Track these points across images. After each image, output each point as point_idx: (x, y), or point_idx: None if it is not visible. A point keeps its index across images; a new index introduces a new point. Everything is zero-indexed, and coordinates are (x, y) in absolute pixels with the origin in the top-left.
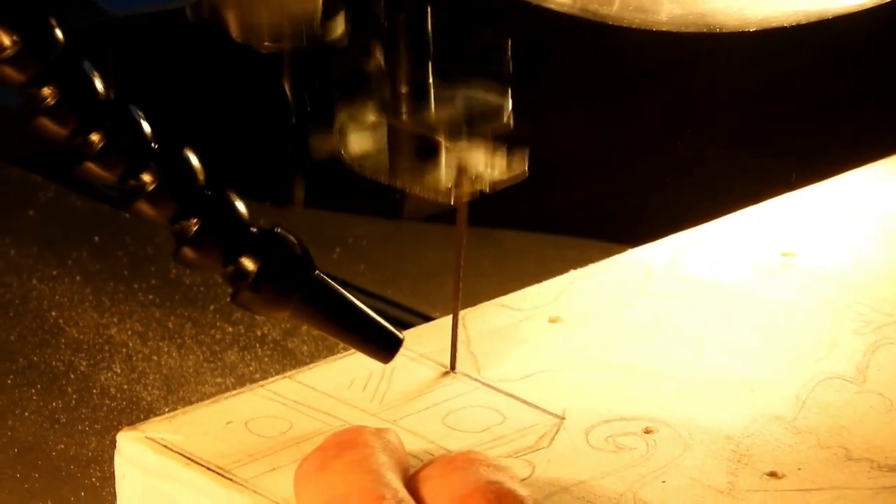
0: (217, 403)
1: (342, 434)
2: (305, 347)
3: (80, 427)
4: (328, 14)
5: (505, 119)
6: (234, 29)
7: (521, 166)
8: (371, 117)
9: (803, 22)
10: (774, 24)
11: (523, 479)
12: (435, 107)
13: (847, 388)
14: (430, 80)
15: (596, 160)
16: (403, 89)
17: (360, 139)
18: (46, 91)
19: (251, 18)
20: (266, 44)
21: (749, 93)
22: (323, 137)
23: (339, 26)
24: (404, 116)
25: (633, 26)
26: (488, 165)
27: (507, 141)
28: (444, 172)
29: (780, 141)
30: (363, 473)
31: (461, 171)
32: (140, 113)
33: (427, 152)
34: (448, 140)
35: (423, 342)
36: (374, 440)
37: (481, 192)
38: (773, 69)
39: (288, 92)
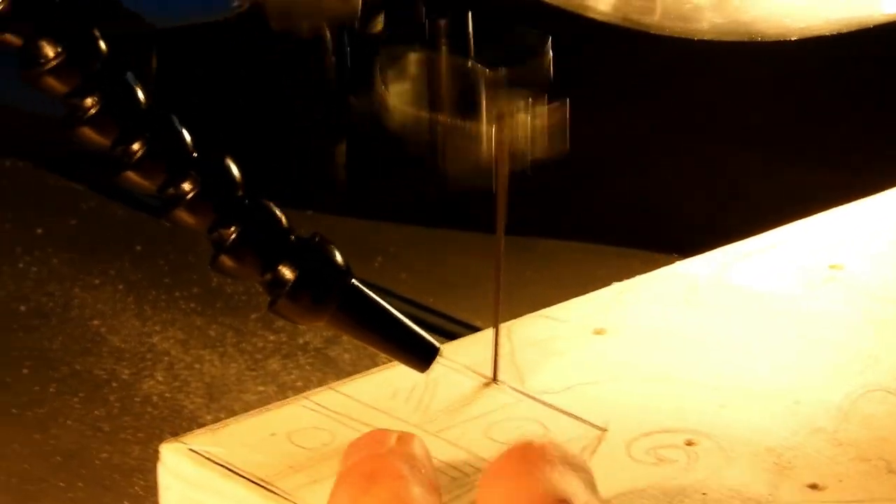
0: (260, 415)
1: (368, 461)
2: (347, 356)
3: (122, 435)
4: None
5: (546, 56)
6: (274, 20)
7: (563, 109)
8: (412, 65)
9: (844, 31)
10: (816, 33)
11: None
12: (475, 49)
13: (889, 401)
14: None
15: (640, 168)
16: (444, 43)
17: (401, 91)
18: (89, 101)
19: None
20: (306, 27)
21: (798, 102)
22: (363, 97)
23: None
24: (445, 57)
25: (675, 35)
26: (528, 104)
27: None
28: (486, 116)
29: (831, 152)
30: None
31: (502, 109)
32: (180, 122)
33: (467, 90)
34: (488, 75)
35: (466, 353)
36: (403, 467)
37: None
38: (818, 79)
39: (329, 67)
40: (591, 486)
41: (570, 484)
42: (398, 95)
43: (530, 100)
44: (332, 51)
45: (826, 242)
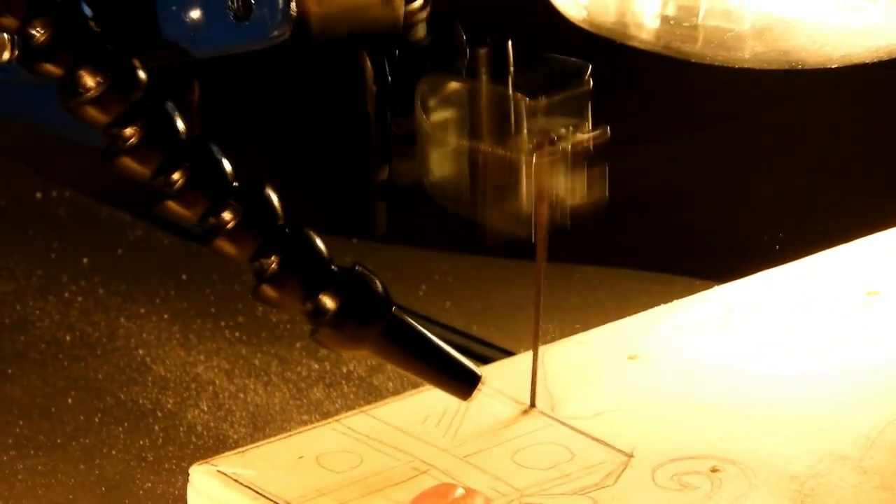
0: (289, 438)
1: None
2: (391, 384)
3: (166, 465)
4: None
5: (585, 81)
6: (316, 27)
7: (604, 130)
8: (452, 90)
9: (885, 59)
10: (856, 61)
11: None
12: (514, 75)
13: None
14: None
15: (679, 195)
16: (484, 71)
17: (441, 111)
18: (129, 131)
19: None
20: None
21: (832, 128)
22: (404, 118)
23: (420, 28)
24: (485, 83)
25: (716, 63)
26: (569, 127)
27: (588, 162)
28: (525, 135)
29: (867, 178)
30: None
31: (543, 133)
32: (221, 152)
33: (507, 116)
34: (528, 101)
35: (500, 378)
36: None
37: (563, 213)
38: (857, 106)
39: (369, 105)
40: None
41: None
42: (438, 124)
43: (571, 127)
44: (374, 79)
45: (863, 268)
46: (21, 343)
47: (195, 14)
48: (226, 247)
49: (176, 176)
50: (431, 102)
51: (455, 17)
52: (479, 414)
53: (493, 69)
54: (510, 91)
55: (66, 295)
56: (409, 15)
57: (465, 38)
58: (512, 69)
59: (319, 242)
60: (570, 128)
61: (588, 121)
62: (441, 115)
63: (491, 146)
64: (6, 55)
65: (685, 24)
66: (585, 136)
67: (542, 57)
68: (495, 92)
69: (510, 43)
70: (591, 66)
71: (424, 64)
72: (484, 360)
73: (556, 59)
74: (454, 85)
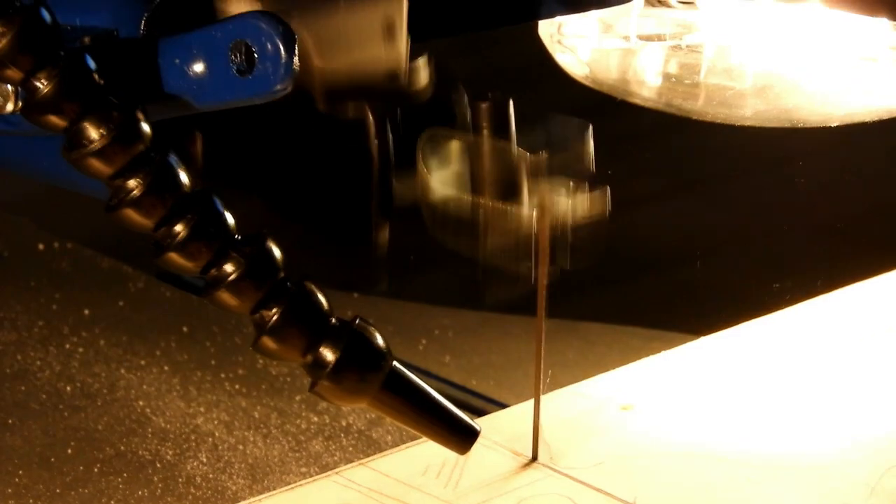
0: (291, 491)
1: None
2: (390, 437)
3: None
4: (413, 68)
5: (586, 156)
6: (318, 87)
7: (603, 202)
8: (455, 156)
9: (885, 118)
10: (857, 120)
11: None
12: (517, 145)
13: None
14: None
15: (680, 253)
16: (485, 131)
17: (443, 178)
18: (132, 182)
19: (335, 72)
20: (351, 100)
21: (832, 187)
22: (407, 182)
23: (422, 78)
24: (487, 153)
25: (718, 121)
26: (569, 199)
27: (587, 239)
28: (526, 206)
29: (864, 236)
30: None
31: (543, 204)
32: (223, 204)
33: (509, 186)
34: (530, 172)
35: (497, 429)
36: None
37: (564, 266)
38: (856, 165)
39: (373, 149)
40: None
41: None
42: (440, 180)
43: (571, 185)
44: (376, 134)
45: (856, 314)
46: (22, 393)
47: (198, 67)
48: (227, 299)
49: (178, 228)
50: (433, 158)
51: (457, 74)
52: (477, 465)
53: (494, 124)
54: (512, 147)
55: (67, 346)
56: (412, 70)
57: (466, 94)
58: (513, 124)
59: (320, 295)
60: (571, 185)
61: (588, 177)
62: (442, 171)
63: (493, 200)
64: (10, 106)
65: (686, 81)
66: (586, 193)
67: (545, 115)
68: (497, 147)
69: (511, 100)
70: (591, 126)
71: (426, 118)
72: (482, 413)
73: (557, 118)
74: (455, 141)
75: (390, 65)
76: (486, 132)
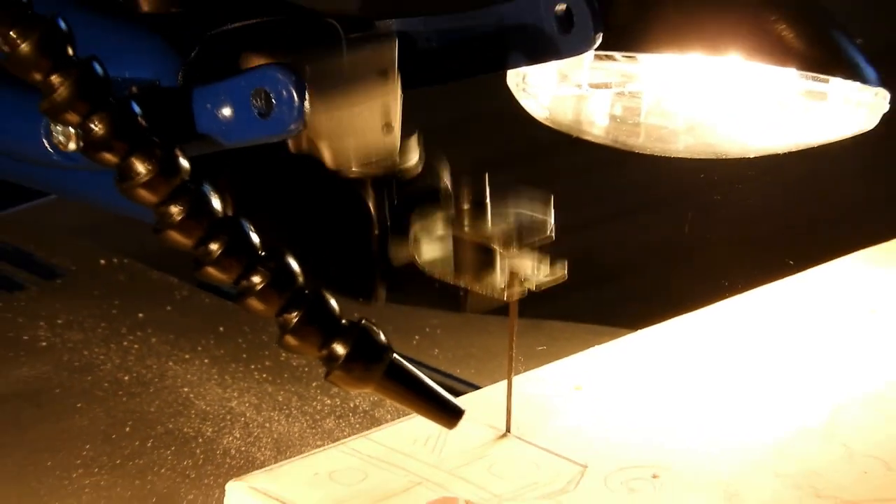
0: (307, 458)
1: None
2: (389, 416)
3: (206, 481)
4: (405, 147)
5: (549, 232)
6: (327, 158)
7: (562, 271)
8: (440, 230)
9: (793, 150)
10: (770, 152)
11: None
12: (491, 222)
13: (817, 440)
14: (488, 201)
15: (629, 265)
16: (465, 208)
17: (431, 248)
18: (174, 209)
19: (341, 150)
20: (353, 170)
21: (755, 208)
22: (401, 246)
23: (413, 156)
24: (466, 230)
25: (655, 154)
26: (534, 269)
27: (550, 251)
28: (499, 275)
29: (784, 251)
30: None
31: (512, 274)
32: (250, 226)
33: (485, 258)
34: (502, 249)
35: (475, 407)
36: None
37: (529, 291)
38: (776, 190)
39: (371, 209)
40: None
41: None
42: (429, 260)
43: (537, 265)
44: (374, 202)
45: (765, 312)
46: (88, 382)
47: (226, 111)
48: (255, 305)
49: (214, 246)
50: (423, 241)
51: (441, 151)
52: (459, 437)
53: (473, 199)
54: (488, 237)
55: (125, 343)
56: (404, 150)
57: (449, 167)
58: (488, 199)
59: (333, 301)
60: (536, 267)
61: (548, 263)
62: (431, 249)
63: (472, 281)
64: (72, 146)
65: (630, 121)
66: (547, 277)
67: (516, 213)
68: (477, 243)
69: (487, 176)
70: (553, 220)
71: (416, 189)
72: (464, 394)
73: (525, 216)
74: (441, 229)
75: (386, 146)
76: (465, 207)
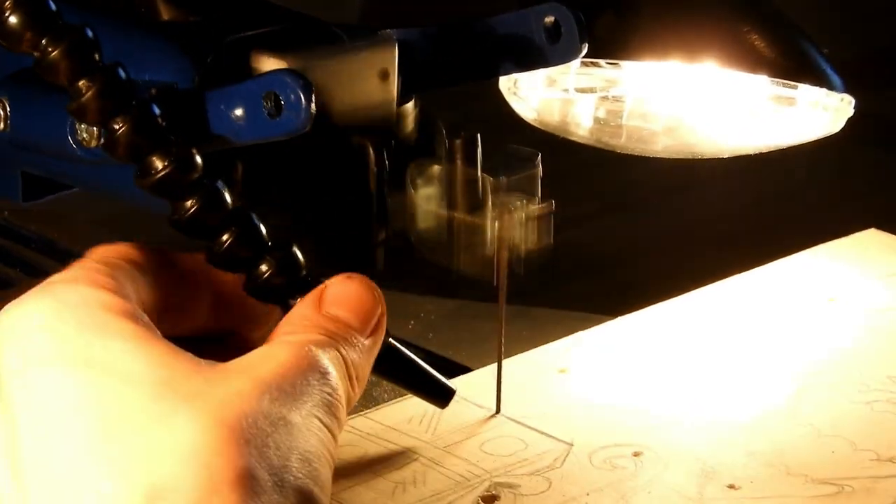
0: None
1: None
2: (386, 395)
3: None
4: (403, 112)
5: (536, 203)
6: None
7: (550, 205)
8: (436, 177)
9: (764, 151)
10: (743, 153)
11: (542, 493)
12: (483, 195)
13: (785, 420)
14: (480, 176)
15: (614, 257)
16: (459, 184)
17: (426, 225)
18: (189, 203)
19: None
20: (348, 121)
21: (722, 202)
22: (398, 198)
23: (410, 122)
24: (458, 167)
25: (636, 154)
26: (523, 202)
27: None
28: (490, 213)
29: (756, 247)
30: None
31: (501, 241)
32: (259, 218)
33: (475, 197)
34: (492, 218)
35: (467, 387)
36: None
37: (519, 264)
38: (750, 189)
39: (371, 183)
40: None
41: None
42: (423, 198)
43: (525, 201)
44: (375, 163)
45: (739, 300)
46: None
47: (239, 112)
48: (264, 294)
49: (225, 237)
50: (418, 181)
51: (437, 117)
52: (452, 416)
53: (466, 155)
54: (479, 173)
55: None
56: (402, 114)
57: (444, 132)
58: (480, 155)
59: None
60: (524, 201)
61: (538, 195)
62: (425, 191)
63: (463, 214)
64: (94, 143)
65: (612, 123)
66: (536, 207)
67: (504, 146)
68: (467, 173)
69: (479, 136)
70: (540, 154)
71: (413, 152)
72: (456, 375)
73: (513, 148)
74: (436, 168)
75: (384, 111)
76: (459, 162)
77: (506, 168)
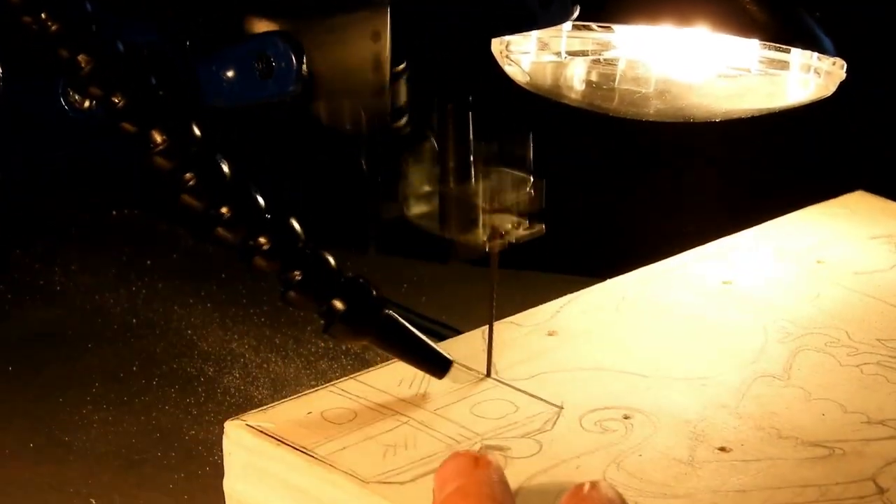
0: (300, 398)
1: (463, 489)
2: (379, 359)
3: (207, 418)
4: (396, 105)
5: (528, 190)
6: (323, 116)
7: (540, 226)
8: (428, 187)
9: (756, 114)
10: (734, 116)
11: (532, 455)
12: (476, 180)
13: (775, 383)
14: (472, 160)
15: (602, 225)
16: (451, 166)
17: (419, 204)
18: (188, 175)
19: (336, 109)
20: (347, 127)
21: (714, 164)
22: (391, 203)
23: (402, 97)
24: (452, 187)
25: (628, 117)
26: (514, 226)
27: (529, 207)
28: (482, 230)
29: (740, 210)
30: None
31: (494, 229)
32: (257, 190)
33: (469, 215)
34: (485, 206)
35: (455, 351)
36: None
37: (509, 244)
38: (738, 153)
39: (364, 165)
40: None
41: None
42: (416, 175)
43: (517, 223)
44: (368, 145)
45: (723, 263)
46: (98, 324)
47: (230, 73)
48: (261, 263)
49: (223, 210)
50: (412, 159)
51: (428, 80)
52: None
53: (457, 122)
54: (471, 143)
55: (133, 288)
56: (394, 81)
57: (436, 101)
58: (471, 124)
59: (331, 259)
60: (516, 222)
61: (527, 217)
62: (419, 168)
63: (457, 234)
64: (87, 104)
65: (605, 87)
66: (526, 231)
67: (497, 171)
68: (461, 200)
69: (470, 98)
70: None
71: (406, 122)
72: (448, 338)
73: (506, 173)
74: (428, 145)
75: (376, 71)
76: (451, 131)
77: (498, 192)
